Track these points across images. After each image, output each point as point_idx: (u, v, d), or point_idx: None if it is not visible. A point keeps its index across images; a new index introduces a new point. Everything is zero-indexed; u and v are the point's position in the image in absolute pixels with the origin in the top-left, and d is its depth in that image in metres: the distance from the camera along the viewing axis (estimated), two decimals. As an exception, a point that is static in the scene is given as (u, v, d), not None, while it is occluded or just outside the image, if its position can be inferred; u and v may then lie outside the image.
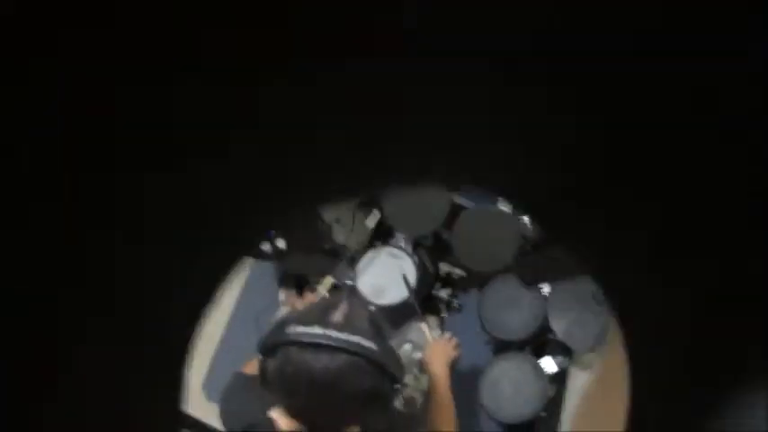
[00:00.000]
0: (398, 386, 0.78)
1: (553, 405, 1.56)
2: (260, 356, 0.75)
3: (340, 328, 0.68)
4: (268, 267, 1.96)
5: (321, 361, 0.66)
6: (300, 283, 1.66)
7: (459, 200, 1.54)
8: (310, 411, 0.75)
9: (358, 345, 0.68)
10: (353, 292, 1.39)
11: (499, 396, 1.46)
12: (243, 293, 2.02)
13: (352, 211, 1.57)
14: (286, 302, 1.66)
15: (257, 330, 1.82)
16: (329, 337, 0.67)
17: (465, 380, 1.88)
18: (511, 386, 1.47)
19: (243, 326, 1.92)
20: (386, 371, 0.72)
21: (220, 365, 1.89)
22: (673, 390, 0.28)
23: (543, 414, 1.49)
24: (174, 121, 0.22)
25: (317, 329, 0.67)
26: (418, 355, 1.46)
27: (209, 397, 1.86)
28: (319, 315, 0.71)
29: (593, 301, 1.37)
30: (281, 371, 0.70)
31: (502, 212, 1.52)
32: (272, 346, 0.71)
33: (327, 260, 1.79)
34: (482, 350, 1.82)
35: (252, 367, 0.85)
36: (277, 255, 1.55)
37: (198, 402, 1.86)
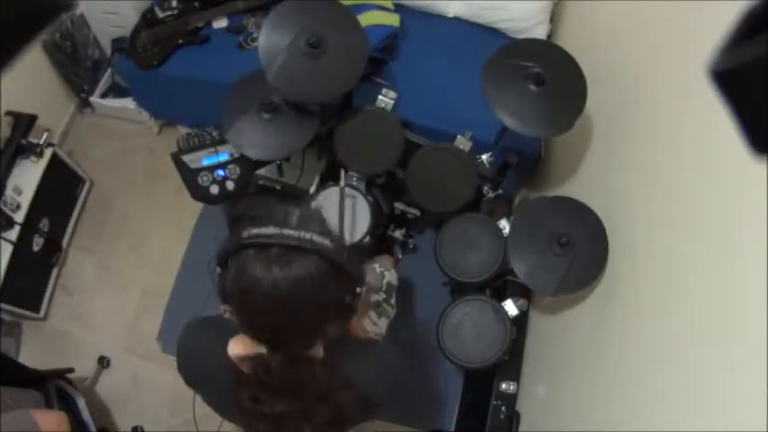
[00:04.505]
0: (360, 290, 0.75)
1: (515, 348, 1.51)
2: (218, 270, 0.75)
3: (294, 227, 0.68)
4: (216, 212, 1.88)
5: (273, 273, 0.66)
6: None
7: (414, 137, 1.46)
8: (270, 329, 0.73)
9: (310, 240, 0.68)
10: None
11: (461, 340, 1.40)
12: (192, 241, 1.94)
13: (302, 151, 1.49)
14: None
15: (209, 277, 1.72)
16: (283, 235, 0.67)
17: (423, 323, 1.83)
18: (472, 330, 1.42)
19: (194, 275, 1.85)
20: (344, 270, 0.71)
21: (174, 316, 1.83)
22: None
23: (506, 357, 1.44)
24: None
25: (271, 229, 0.68)
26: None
27: (165, 349, 1.81)
28: (275, 219, 0.72)
29: (557, 242, 1.30)
30: (237, 282, 0.69)
31: (458, 150, 1.44)
32: (231, 250, 0.70)
33: (279, 201, 1.70)
34: (439, 292, 1.76)
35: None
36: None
37: (153, 354, 1.81)
